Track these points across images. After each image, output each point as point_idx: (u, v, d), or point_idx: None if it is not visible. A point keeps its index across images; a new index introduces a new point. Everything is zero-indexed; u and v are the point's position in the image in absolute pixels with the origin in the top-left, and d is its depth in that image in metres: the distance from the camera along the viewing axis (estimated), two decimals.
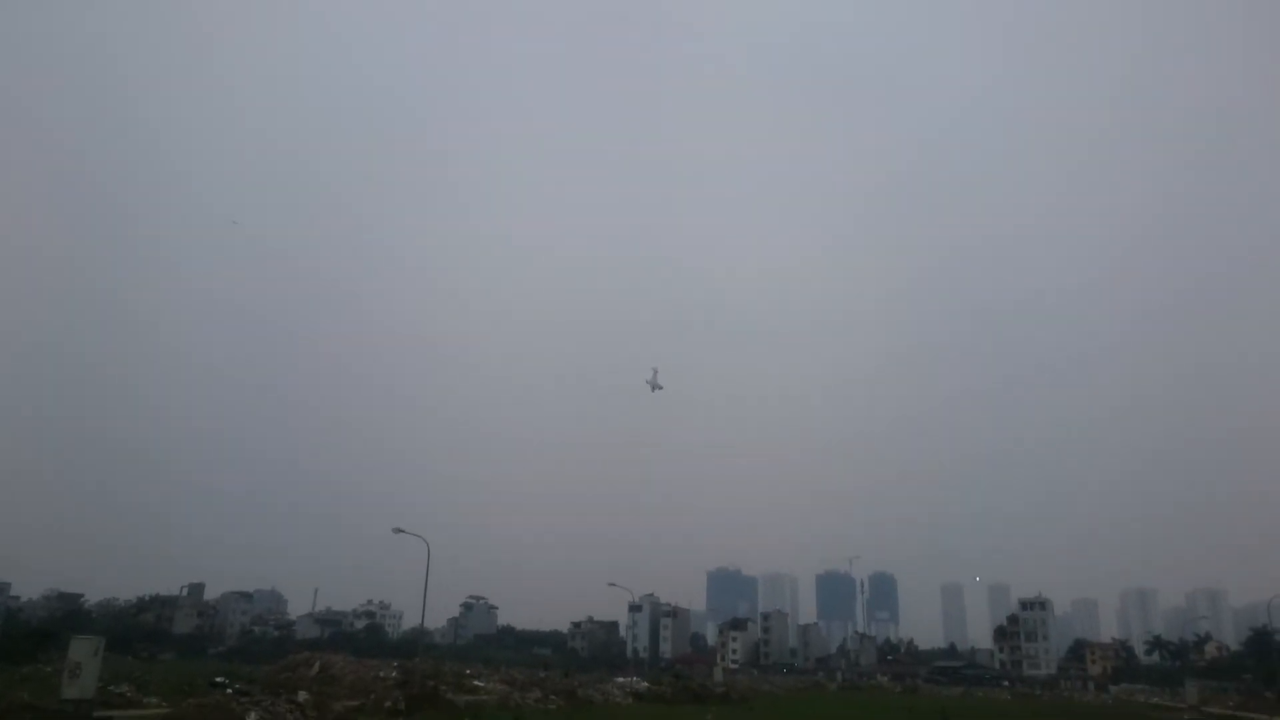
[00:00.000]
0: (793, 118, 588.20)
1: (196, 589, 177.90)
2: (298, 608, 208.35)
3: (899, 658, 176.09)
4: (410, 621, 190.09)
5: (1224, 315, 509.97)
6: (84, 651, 23.80)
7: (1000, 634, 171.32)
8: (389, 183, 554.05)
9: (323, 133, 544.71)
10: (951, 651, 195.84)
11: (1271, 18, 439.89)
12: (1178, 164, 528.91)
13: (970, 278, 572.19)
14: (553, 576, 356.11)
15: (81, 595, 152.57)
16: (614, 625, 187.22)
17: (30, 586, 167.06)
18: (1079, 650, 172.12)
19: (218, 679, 37.69)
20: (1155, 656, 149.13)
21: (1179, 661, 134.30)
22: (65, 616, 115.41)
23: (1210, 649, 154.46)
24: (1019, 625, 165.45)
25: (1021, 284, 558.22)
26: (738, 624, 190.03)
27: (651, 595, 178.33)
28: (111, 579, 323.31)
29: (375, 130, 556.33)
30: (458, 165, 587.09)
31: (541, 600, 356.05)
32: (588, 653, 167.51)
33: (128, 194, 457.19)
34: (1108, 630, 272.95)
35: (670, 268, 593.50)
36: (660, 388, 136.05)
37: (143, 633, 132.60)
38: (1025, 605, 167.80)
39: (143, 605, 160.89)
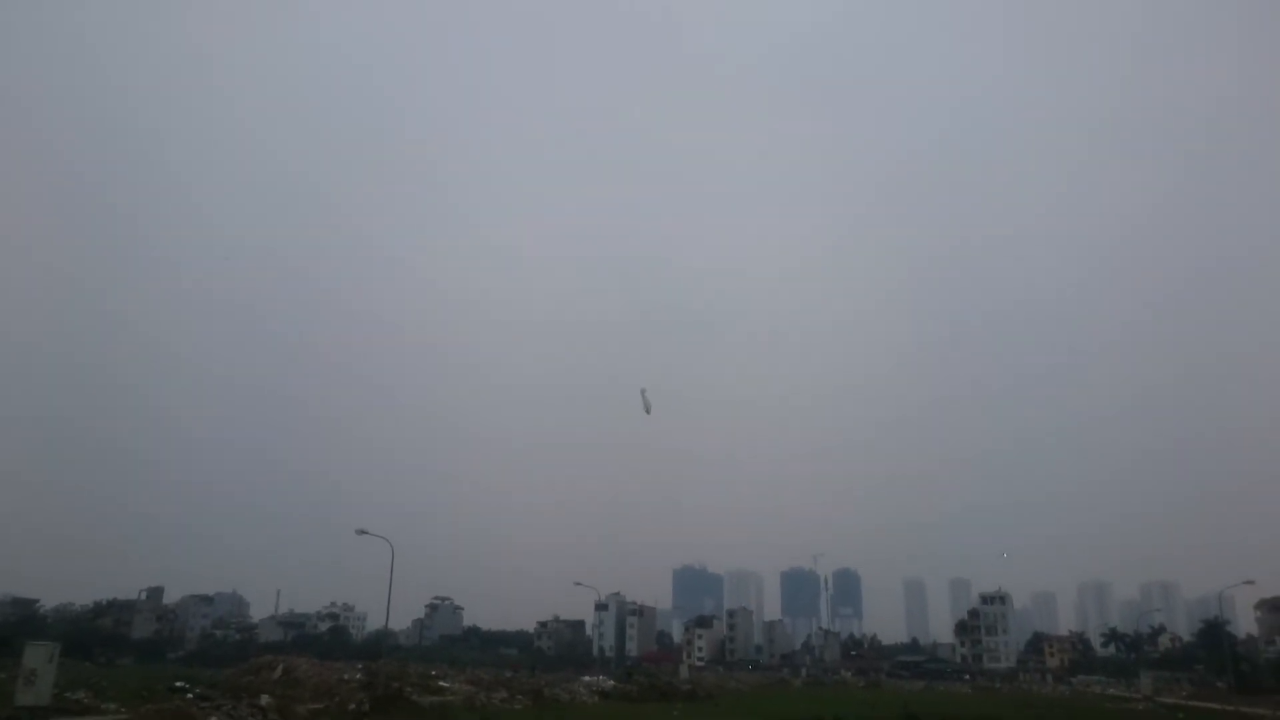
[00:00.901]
0: (788, 115, 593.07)
1: (155, 592, 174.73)
2: (260, 610, 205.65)
3: (863, 653, 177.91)
4: (375, 623, 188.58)
5: (1186, 323, 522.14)
6: (39, 658, 23.43)
7: (961, 628, 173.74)
8: (364, 167, 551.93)
9: (311, 127, 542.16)
10: (914, 646, 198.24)
11: (1270, 16, 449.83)
12: (1173, 158, 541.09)
13: (937, 285, 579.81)
14: (519, 576, 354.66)
15: (37, 600, 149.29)
16: (580, 624, 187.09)
17: None
18: (1038, 643, 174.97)
19: (178, 683, 37.20)
20: (1111, 649, 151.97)
21: (1134, 653, 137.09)
22: (20, 622, 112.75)
23: (1164, 641, 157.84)
24: (979, 619, 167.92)
25: (989, 294, 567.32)
26: (703, 622, 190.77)
27: (618, 594, 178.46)
28: (68, 583, 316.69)
29: (364, 124, 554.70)
30: (449, 158, 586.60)
31: (507, 600, 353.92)
32: (554, 652, 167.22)
33: (106, 184, 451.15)
34: (1066, 623, 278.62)
35: (648, 267, 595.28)
36: (649, 410, 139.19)
37: (100, 638, 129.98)
38: (986, 600, 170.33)
39: (100, 610, 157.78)
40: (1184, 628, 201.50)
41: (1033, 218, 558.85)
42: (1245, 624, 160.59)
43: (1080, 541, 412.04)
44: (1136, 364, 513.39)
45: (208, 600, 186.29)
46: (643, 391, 57.95)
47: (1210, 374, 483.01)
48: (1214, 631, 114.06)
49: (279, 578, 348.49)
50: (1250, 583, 65.79)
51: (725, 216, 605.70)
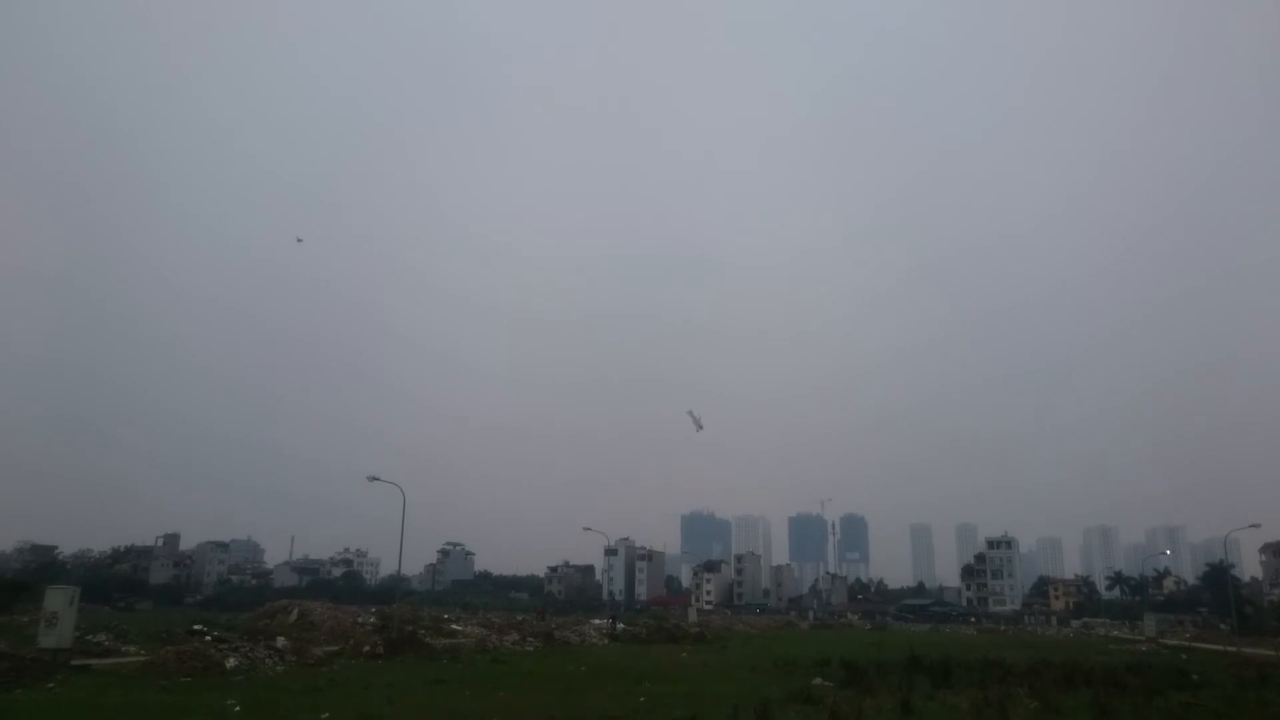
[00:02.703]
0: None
1: (172, 539, 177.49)
2: (274, 556, 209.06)
3: (869, 596, 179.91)
4: (387, 568, 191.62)
5: (1193, 257, 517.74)
6: (59, 601, 23.79)
7: (967, 572, 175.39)
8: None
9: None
10: (920, 590, 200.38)
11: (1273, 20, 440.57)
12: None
13: (940, 216, 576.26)
14: (529, 522, 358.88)
15: (55, 547, 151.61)
16: (590, 569, 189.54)
17: (1, 539, 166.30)
18: (1043, 587, 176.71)
19: (196, 626, 37.84)
20: (1116, 592, 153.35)
21: (1138, 596, 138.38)
22: (39, 568, 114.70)
23: (1168, 584, 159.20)
24: (986, 564, 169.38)
25: (992, 222, 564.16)
26: (711, 566, 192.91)
27: (627, 539, 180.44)
28: (85, 531, 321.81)
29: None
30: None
31: (518, 546, 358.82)
32: (564, 596, 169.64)
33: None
34: (1071, 567, 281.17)
35: (663, 216, 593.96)
36: (701, 428, 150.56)
37: (119, 583, 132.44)
38: (992, 544, 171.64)
39: (118, 556, 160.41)
40: (1189, 571, 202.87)
41: (1032, 140, 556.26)
42: (1250, 567, 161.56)
43: (1087, 487, 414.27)
44: (1144, 299, 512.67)
45: (223, 546, 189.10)
46: (690, 412, 59.19)
47: (1217, 316, 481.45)
48: (1218, 575, 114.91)
49: (293, 525, 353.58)
50: (1256, 526, 65.77)
51: (733, 161, 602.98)
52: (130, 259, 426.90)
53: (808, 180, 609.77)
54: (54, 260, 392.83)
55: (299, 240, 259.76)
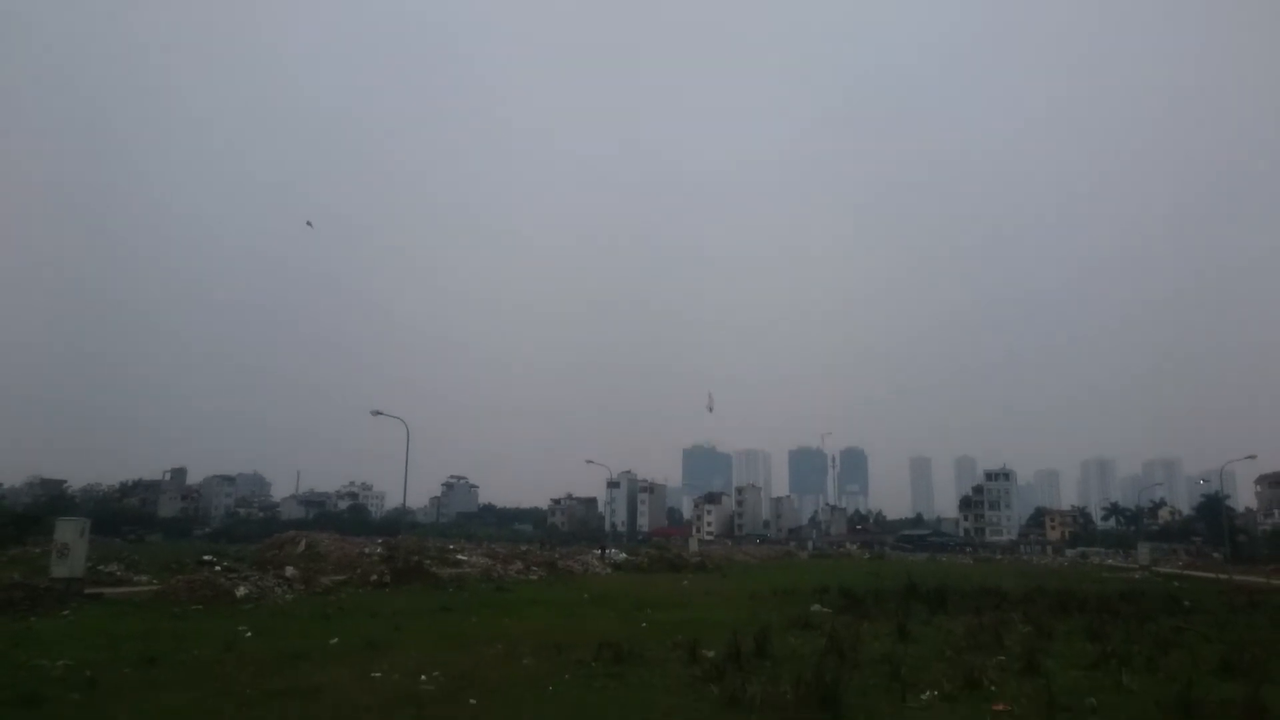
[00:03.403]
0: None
1: (179, 473, 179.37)
2: (281, 490, 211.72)
3: (867, 527, 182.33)
4: (393, 501, 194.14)
5: (1191, 182, 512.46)
6: (70, 532, 24.12)
7: (965, 504, 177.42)
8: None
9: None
10: (918, 521, 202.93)
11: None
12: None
13: (935, 129, 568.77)
14: (532, 456, 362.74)
15: (64, 481, 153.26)
16: (593, 501, 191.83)
17: (11, 474, 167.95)
18: (1039, 518, 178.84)
19: (206, 557, 38.42)
20: (1111, 522, 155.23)
21: (1133, 527, 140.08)
22: (49, 502, 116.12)
23: (1163, 514, 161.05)
24: (983, 495, 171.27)
25: (990, 143, 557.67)
26: (712, 498, 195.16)
27: (629, 472, 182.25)
28: (93, 466, 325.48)
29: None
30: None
31: (521, 479, 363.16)
32: (567, 528, 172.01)
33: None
34: (1068, 499, 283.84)
35: (663, 141, 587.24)
36: (711, 409, 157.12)
37: (128, 516, 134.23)
38: (990, 476, 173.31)
39: (126, 490, 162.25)
40: (1185, 502, 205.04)
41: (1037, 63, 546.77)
42: (1245, 498, 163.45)
43: (1085, 420, 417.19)
44: (1146, 223, 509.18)
45: (230, 480, 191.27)
46: (709, 395, 59.76)
47: (1226, 240, 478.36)
48: (1213, 505, 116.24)
49: (298, 459, 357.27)
50: (1252, 457, 66.53)
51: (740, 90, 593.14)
52: (137, 186, 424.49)
53: (804, 99, 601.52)
54: (63, 192, 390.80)
55: (309, 224, 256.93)
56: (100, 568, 31.87)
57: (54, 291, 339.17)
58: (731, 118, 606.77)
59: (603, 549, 59.86)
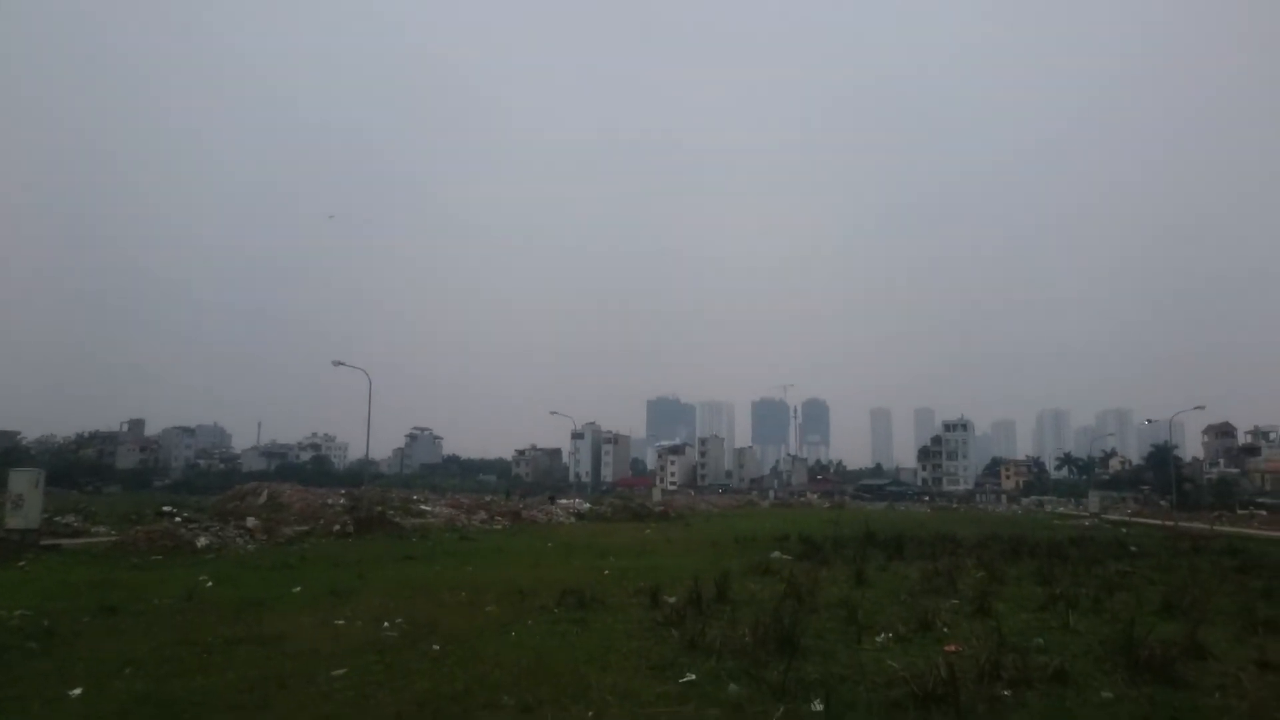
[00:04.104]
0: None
1: (136, 424, 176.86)
2: (241, 442, 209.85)
3: (828, 477, 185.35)
4: (356, 453, 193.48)
5: (1149, 142, 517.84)
6: (25, 483, 23.71)
7: (924, 454, 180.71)
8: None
9: None
10: (878, 471, 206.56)
11: None
12: None
13: (911, 86, 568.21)
14: (496, 407, 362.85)
15: (18, 433, 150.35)
16: (557, 452, 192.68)
17: None
18: (995, 467, 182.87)
19: (165, 508, 38.03)
20: (1065, 472, 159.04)
21: (1086, 476, 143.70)
22: (2, 454, 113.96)
23: (1114, 464, 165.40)
24: (941, 445, 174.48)
25: (945, 99, 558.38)
26: (676, 449, 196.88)
27: (593, 424, 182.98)
28: (48, 417, 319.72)
29: None
30: None
31: (486, 430, 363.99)
32: (531, 478, 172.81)
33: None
34: (1024, 449, 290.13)
35: (636, 88, 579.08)
36: None
37: (84, 468, 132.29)
38: (948, 427, 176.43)
39: (82, 442, 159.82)
40: (1135, 452, 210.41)
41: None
42: (1193, 448, 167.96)
43: (1041, 372, 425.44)
44: (1103, 183, 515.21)
45: (189, 432, 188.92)
46: None
47: (1172, 205, 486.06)
48: (1162, 455, 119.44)
49: (259, 410, 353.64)
50: (1200, 408, 68.43)
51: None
52: (103, 134, 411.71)
53: (775, 71, 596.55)
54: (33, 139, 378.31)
55: (330, 217, 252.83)
56: (57, 519, 31.42)
57: (6, 240, 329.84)
58: (697, 63, 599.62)
59: (552, 498, 59.72)
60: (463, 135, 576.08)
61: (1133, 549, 27.65)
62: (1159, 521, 58.56)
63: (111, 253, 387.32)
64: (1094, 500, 78.96)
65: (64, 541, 24.42)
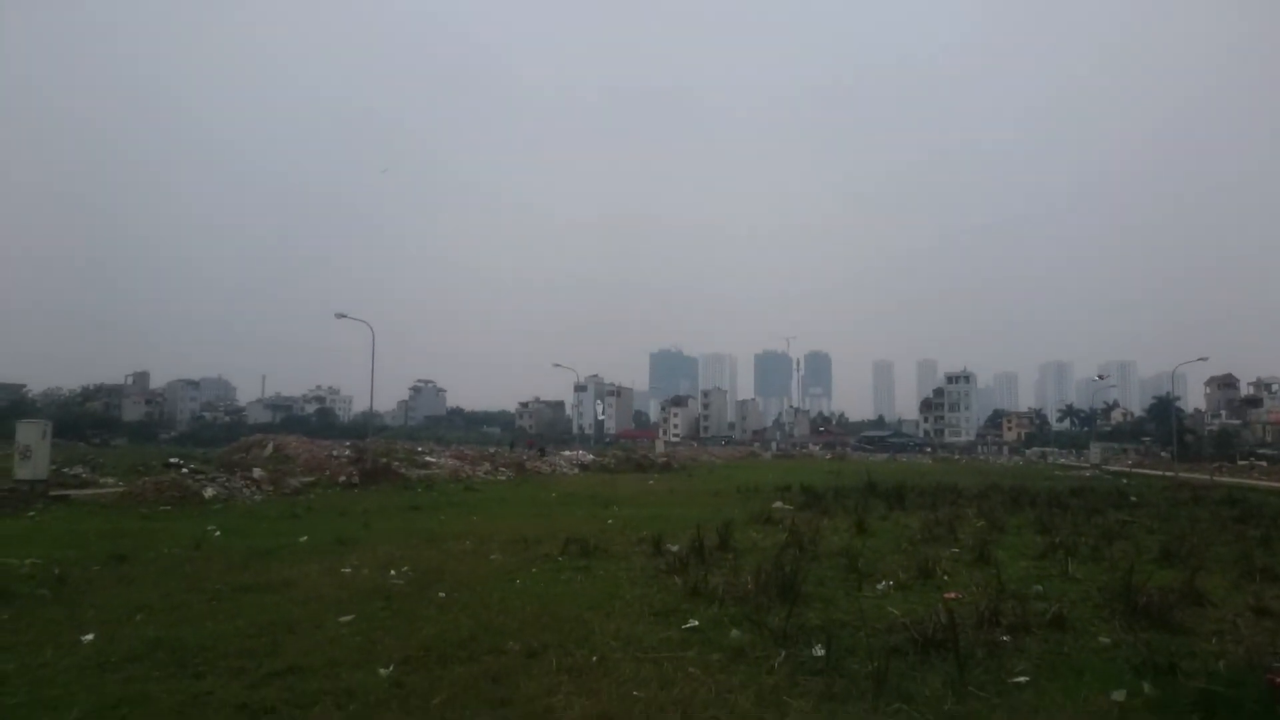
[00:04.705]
0: None
1: (141, 378, 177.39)
2: (246, 395, 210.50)
3: (830, 429, 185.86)
4: (360, 405, 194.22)
5: (1153, 109, 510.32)
6: (32, 434, 23.88)
7: (926, 406, 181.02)
8: None
9: None
10: (880, 423, 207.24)
11: None
12: None
13: (912, 71, 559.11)
14: (499, 359, 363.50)
15: (23, 385, 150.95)
16: (560, 405, 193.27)
17: None
18: (997, 419, 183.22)
19: (172, 459, 38.37)
20: (1067, 423, 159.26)
21: (1087, 427, 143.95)
22: (8, 407, 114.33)
23: (1116, 416, 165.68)
24: (944, 397, 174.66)
25: (960, 70, 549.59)
26: (679, 401, 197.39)
27: (596, 376, 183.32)
28: (53, 371, 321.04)
29: None
30: None
31: (489, 382, 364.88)
32: (535, 430, 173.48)
33: None
34: (1026, 401, 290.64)
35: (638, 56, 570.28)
36: None
37: (91, 421, 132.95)
38: (951, 379, 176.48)
39: (88, 394, 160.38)
40: (1137, 404, 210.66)
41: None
42: (1195, 400, 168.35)
43: (1045, 324, 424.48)
44: (1101, 146, 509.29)
45: (194, 385, 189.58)
46: None
47: (1174, 158, 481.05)
48: (1164, 406, 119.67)
49: (263, 363, 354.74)
50: (1204, 359, 68.13)
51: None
52: (121, 98, 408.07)
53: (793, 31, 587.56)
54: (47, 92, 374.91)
55: (384, 171, 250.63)
56: (65, 470, 31.74)
57: (16, 196, 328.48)
58: (710, 21, 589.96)
59: (542, 450, 59.25)
60: (467, 92, 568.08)
61: (1132, 499, 27.82)
62: (1159, 472, 58.84)
63: (114, 213, 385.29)
64: (1095, 452, 79.27)
65: (72, 492, 24.65)
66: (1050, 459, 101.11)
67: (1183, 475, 52.30)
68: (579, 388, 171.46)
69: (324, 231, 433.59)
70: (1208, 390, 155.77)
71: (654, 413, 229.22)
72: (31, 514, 19.21)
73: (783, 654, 7.21)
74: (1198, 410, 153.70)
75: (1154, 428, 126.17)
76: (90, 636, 7.85)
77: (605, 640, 7.77)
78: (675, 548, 13.35)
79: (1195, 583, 10.07)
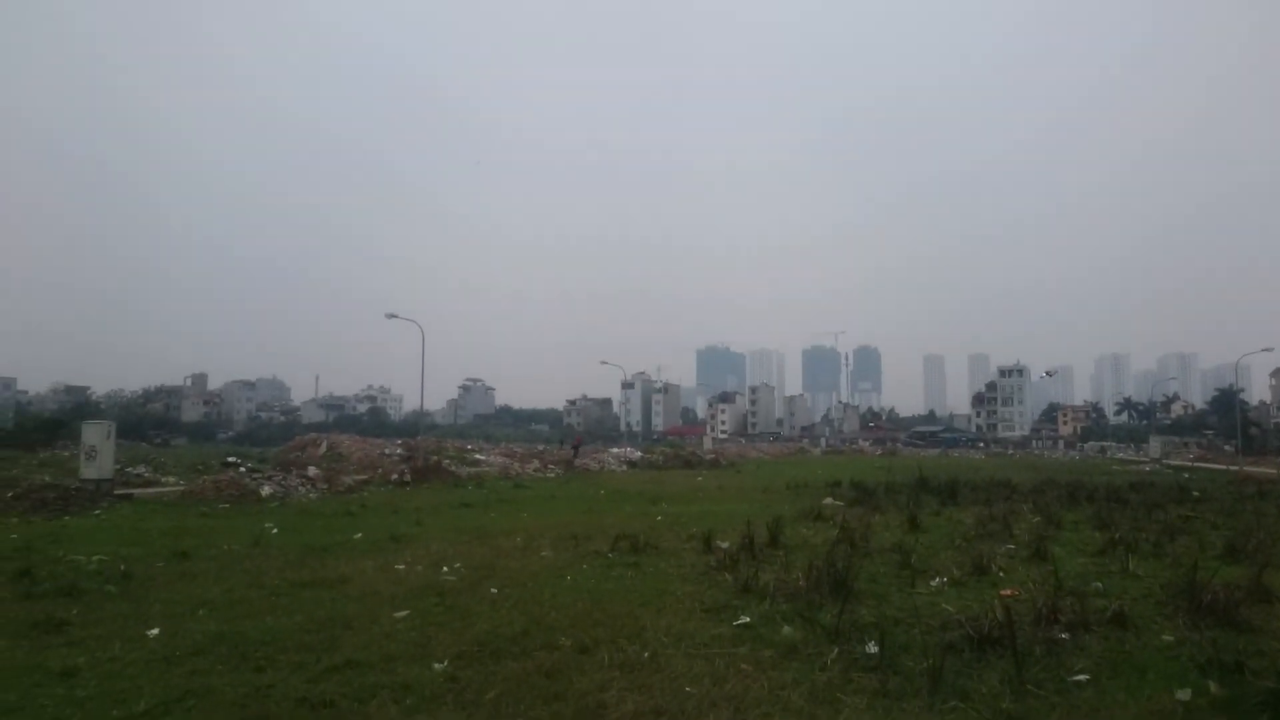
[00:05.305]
0: None
1: (200, 379, 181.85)
2: (300, 394, 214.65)
3: (880, 424, 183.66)
4: (410, 404, 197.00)
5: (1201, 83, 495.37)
6: (97, 435, 24.59)
7: (978, 400, 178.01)
8: None
9: None
10: (931, 418, 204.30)
11: None
12: None
13: (951, 65, 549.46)
14: (547, 358, 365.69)
15: (88, 388, 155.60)
16: (608, 402, 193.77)
17: (36, 381, 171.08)
18: (1052, 413, 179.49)
19: (230, 459, 39.32)
20: (1124, 417, 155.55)
21: (1146, 421, 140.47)
22: (74, 408, 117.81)
23: (1176, 408, 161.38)
24: (996, 391, 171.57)
25: (1011, 51, 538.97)
26: (726, 397, 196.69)
27: (643, 373, 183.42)
28: (115, 373, 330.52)
29: None
30: None
31: (537, 380, 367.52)
32: (583, 428, 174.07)
33: None
34: (1081, 395, 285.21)
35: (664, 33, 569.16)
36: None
37: (152, 421, 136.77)
38: (1004, 373, 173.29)
39: (149, 396, 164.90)
40: (1198, 396, 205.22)
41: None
42: (1259, 391, 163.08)
43: (1099, 317, 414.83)
44: (1150, 135, 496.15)
45: (250, 385, 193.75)
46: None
47: (1225, 143, 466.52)
48: (1227, 398, 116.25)
49: (316, 364, 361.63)
50: (1269, 350, 66.01)
51: None
52: (166, 95, 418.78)
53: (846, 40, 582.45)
54: (61, 125, 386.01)
55: (478, 163, 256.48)
56: (128, 470, 32.64)
57: (81, 203, 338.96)
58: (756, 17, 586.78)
59: (575, 448, 57.98)
60: (520, 85, 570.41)
61: (1195, 494, 27.05)
62: (1223, 466, 57.12)
63: (170, 220, 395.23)
64: (1155, 445, 77.28)
65: (136, 491, 25.34)
66: (1109, 453, 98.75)
67: (1248, 469, 50.71)
68: (626, 385, 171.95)
69: (375, 236, 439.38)
70: (1273, 382, 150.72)
71: (701, 409, 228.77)
72: (97, 512, 19.79)
73: (835, 651, 7.15)
74: (1263, 402, 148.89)
75: (1216, 420, 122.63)
76: (156, 631, 8.07)
77: (657, 636, 7.77)
78: (725, 544, 13.31)
79: (1263, 579, 9.75)
